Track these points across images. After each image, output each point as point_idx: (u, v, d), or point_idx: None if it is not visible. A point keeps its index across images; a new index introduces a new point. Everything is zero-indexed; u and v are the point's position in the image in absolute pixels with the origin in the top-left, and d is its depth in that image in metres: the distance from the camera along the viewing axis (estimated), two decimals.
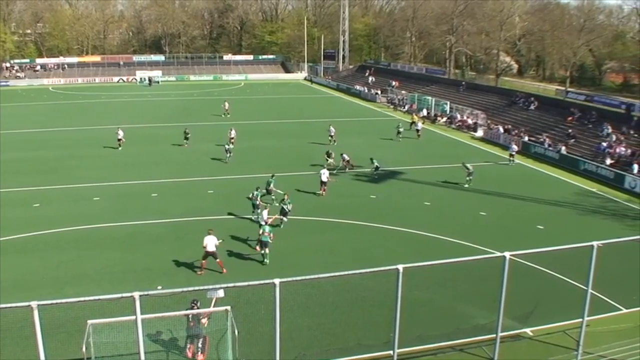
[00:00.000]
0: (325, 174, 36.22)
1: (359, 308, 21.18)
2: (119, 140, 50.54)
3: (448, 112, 67.77)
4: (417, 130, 56.00)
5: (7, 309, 14.43)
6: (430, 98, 72.89)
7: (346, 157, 42.69)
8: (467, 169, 38.55)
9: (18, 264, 26.01)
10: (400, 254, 26.31)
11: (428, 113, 69.83)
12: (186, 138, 51.62)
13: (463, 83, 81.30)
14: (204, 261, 24.47)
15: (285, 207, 29.90)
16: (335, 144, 50.61)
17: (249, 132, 56.80)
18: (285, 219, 29.99)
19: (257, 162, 45.01)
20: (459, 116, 65.15)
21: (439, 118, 67.06)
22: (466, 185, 38.19)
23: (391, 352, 15.33)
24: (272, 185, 34.20)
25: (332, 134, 52.35)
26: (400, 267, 14.34)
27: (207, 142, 51.81)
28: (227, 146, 46.30)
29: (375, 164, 40.70)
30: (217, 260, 24.46)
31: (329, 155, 43.31)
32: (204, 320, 17.70)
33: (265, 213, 28.11)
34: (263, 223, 26.75)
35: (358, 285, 22.09)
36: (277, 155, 47.68)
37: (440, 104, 69.88)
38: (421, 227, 30.20)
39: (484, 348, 17.87)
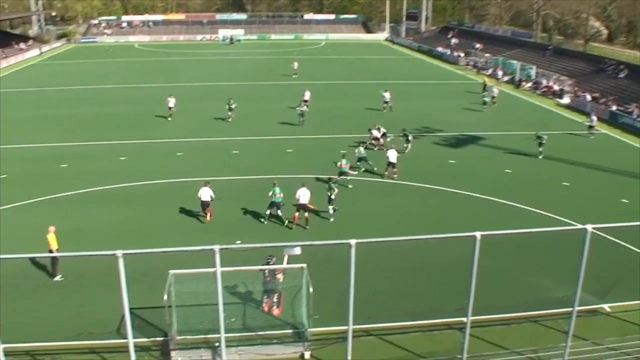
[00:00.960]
0: (393, 155, 32.34)
1: (433, 273, 21.14)
2: (170, 109, 46.97)
3: (533, 77, 65.58)
4: (492, 97, 52.61)
5: (93, 257, 15.21)
6: (515, 62, 70.61)
7: (376, 133, 38.32)
8: (540, 138, 36.51)
9: (104, 214, 27.27)
10: (478, 221, 25.91)
11: (506, 75, 67.86)
12: (230, 109, 46.33)
13: (550, 47, 78.13)
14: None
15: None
16: (392, 111, 48.98)
17: (324, 93, 56.81)
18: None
19: (334, 124, 45.03)
20: (544, 82, 62.88)
21: (523, 83, 64.98)
22: (540, 157, 36.36)
23: (464, 319, 15.27)
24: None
25: (387, 100, 49.79)
26: (478, 234, 14.16)
27: (279, 102, 52.02)
28: (299, 109, 44.70)
29: (409, 137, 37.27)
30: (208, 209, 26.39)
31: (382, 134, 38.43)
32: (279, 276, 18.14)
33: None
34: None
35: (433, 250, 22.04)
36: (354, 117, 47.35)
37: (526, 69, 67.59)
38: (501, 194, 29.57)
39: (558, 321, 17.56)
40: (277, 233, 24.96)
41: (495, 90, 54.05)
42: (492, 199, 29.12)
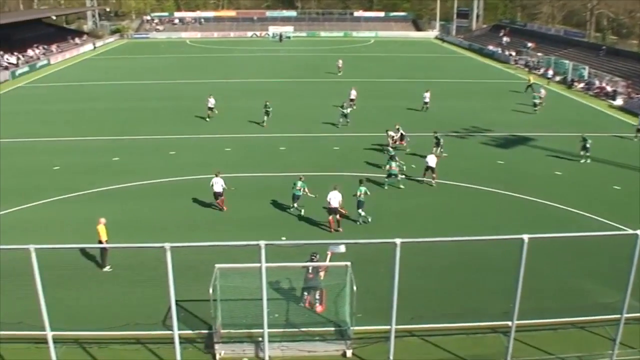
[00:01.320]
0: (432, 160, 30.72)
1: (478, 275, 20.89)
2: (210, 109, 45.33)
3: (586, 77, 64.11)
4: (540, 98, 50.37)
5: (142, 248, 15.50)
6: (567, 62, 69.17)
7: (392, 134, 36.71)
8: (585, 141, 35.01)
9: (154, 207, 27.80)
10: (525, 223, 25.46)
11: (557, 75, 66.50)
12: (267, 113, 43.43)
13: (603, 47, 76.17)
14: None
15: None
16: (426, 111, 48.46)
17: (370, 91, 56.68)
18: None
19: (379, 121, 44.80)
20: (597, 82, 61.35)
21: (575, 84, 63.58)
22: (582, 161, 35.07)
23: (509, 322, 15.08)
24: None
25: (427, 100, 48.53)
26: (526, 237, 13.94)
27: (326, 99, 51.96)
28: (343, 110, 42.87)
29: (441, 140, 35.35)
30: (221, 198, 27.14)
31: (400, 136, 37.03)
32: (321, 274, 18.21)
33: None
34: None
35: (478, 252, 21.81)
36: (398, 115, 47.08)
37: (578, 69, 66.16)
38: (550, 197, 28.97)
39: (606, 328, 17.18)
40: (322, 230, 25.04)
41: (543, 92, 52.14)
42: (542, 201, 28.58)
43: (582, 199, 28.81)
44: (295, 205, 26.78)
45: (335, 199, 24.63)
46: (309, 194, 26.22)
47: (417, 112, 48.14)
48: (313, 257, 18.16)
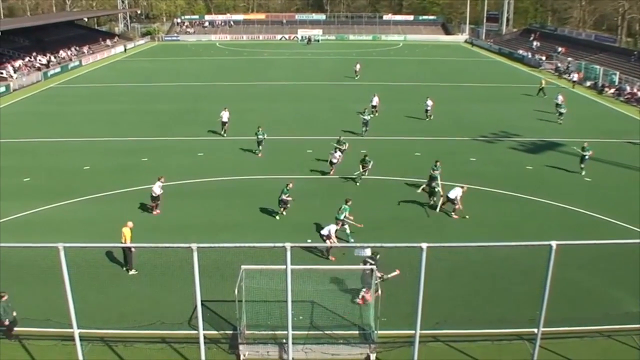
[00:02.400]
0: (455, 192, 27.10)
1: (505, 281, 20.69)
2: (224, 124, 41.77)
3: (616, 83, 63.19)
4: (557, 105, 47.80)
5: (169, 248, 15.65)
6: (598, 67, 68.27)
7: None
8: (584, 150, 33.16)
9: (181, 207, 28.01)
10: (554, 229, 25.20)
11: (588, 80, 65.58)
12: (259, 143, 36.70)
13: (635, 53, 74.87)
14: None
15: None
16: (431, 119, 46.82)
17: (394, 95, 56.51)
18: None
19: (405, 126, 44.74)
20: (628, 88, 60.40)
21: (606, 89, 62.69)
22: (583, 173, 33.28)
23: (535, 329, 14.93)
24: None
25: (429, 108, 46.67)
26: (554, 243, 13.80)
27: (353, 103, 51.78)
28: (364, 117, 40.98)
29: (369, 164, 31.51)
30: (157, 203, 27.36)
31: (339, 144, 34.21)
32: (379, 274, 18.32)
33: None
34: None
35: (505, 258, 21.61)
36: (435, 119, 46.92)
37: (609, 74, 65.25)
38: (579, 203, 28.58)
39: (634, 337, 16.94)
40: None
41: (560, 98, 49.31)
42: (570, 207, 28.22)
43: (612, 206, 28.35)
44: (283, 210, 26.99)
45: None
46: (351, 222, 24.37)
47: (442, 117, 47.75)
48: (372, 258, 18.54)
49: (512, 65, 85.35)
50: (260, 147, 36.81)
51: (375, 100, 47.61)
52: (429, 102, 46.81)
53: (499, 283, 20.64)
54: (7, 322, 16.58)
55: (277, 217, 26.80)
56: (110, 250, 22.63)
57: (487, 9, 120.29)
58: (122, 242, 20.95)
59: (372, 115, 43.56)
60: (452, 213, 27.14)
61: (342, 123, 44.66)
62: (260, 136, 36.38)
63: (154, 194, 26.96)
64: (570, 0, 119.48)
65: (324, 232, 23.09)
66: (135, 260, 21.30)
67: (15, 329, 17.00)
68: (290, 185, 26.46)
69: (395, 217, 26.72)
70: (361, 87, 61.73)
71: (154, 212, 27.12)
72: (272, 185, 30.35)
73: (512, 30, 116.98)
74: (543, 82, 60.63)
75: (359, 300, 18.84)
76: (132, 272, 21.29)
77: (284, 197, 26.30)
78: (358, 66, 70.43)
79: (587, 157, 33.20)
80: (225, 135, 41.55)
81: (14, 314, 16.75)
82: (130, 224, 21.47)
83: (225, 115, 41.50)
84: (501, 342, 16.86)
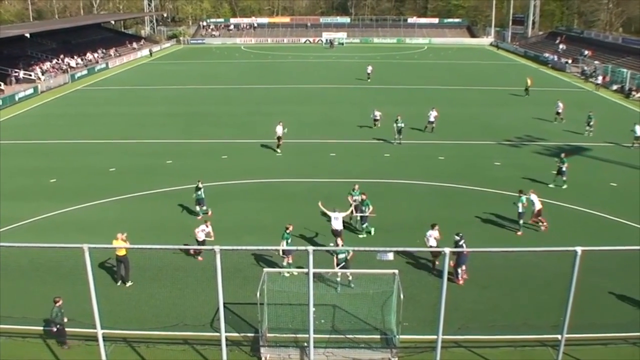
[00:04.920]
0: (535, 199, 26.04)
1: (529, 286, 20.47)
2: (279, 138, 38.34)
3: None
4: (557, 113, 47.13)
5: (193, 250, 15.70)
6: (625, 70, 67.32)
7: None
8: (561, 162, 31.10)
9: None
10: (577, 234, 24.92)
11: (615, 84, 64.72)
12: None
13: None
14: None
15: None
16: (432, 132, 44.21)
17: (406, 98, 56.27)
18: None
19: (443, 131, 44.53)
20: None
21: (633, 93, 61.78)
22: (551, 185, 31.38)
23: (559, 336, 14.77)
24: None
25: (560, 110, 46.45)
26: (579, 249, 13.64)
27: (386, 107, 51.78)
28: (397, 125, 39.68)
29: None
30: None
31: None
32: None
33: None
34: None
35: (529, 263, 21.41)
36: (461, 123, 46.67)
37: (636, 78, 64.29)
38: (603, 208, 28.19)
39: None
40: (371, 238, 24.89)
41: (561, 105, 47.87)
42: (596, 212, 27.85)
43: (639, 211, 27.93)
44: (199, 209, 27.07)
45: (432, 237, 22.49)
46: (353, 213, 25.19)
47: (467, 120, 47.45)
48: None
49: (538, 68, 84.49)
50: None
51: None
52: (433, 113, 43.63)
53: (522, 288, 20.42)
54: (57, 328, 16.57)
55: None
56: (133, 252, 22.80)
57: (512, 11, 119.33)
58: (120, 254, 20.28)
59: (403, 125, 40.16)
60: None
61: (367, 127, 44.81)
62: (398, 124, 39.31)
63: (198, 239, 22.83)
64: (597, 3, 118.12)
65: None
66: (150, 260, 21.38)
67: (37, 328, 17.25)
68: (290, 228, 21.65)
69: (419, 220, 26.57)
70: (387, 91, 61.64)
71: (198, 258, 22.55)
72: (296, 188, 30.51)
73: (537, 33, 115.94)
74: (529, 81, 60.58)
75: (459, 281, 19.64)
76: (129, 283, 20.77)
77: (285, 245, 20.67)
78: (370, 68, 70.57)
79: (564, 168, 30.91)
80: (279, 152, 38.21)
81: (65, 319, 16.65)
82: (120, 235, 20.49)
83: (279, 130, 38.38)
84: (524, 349, 16.69)
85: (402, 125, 39.85)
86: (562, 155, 32.00)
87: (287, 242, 20.83)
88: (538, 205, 25.66)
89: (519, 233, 25.29)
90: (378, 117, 44.98)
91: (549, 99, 57.35)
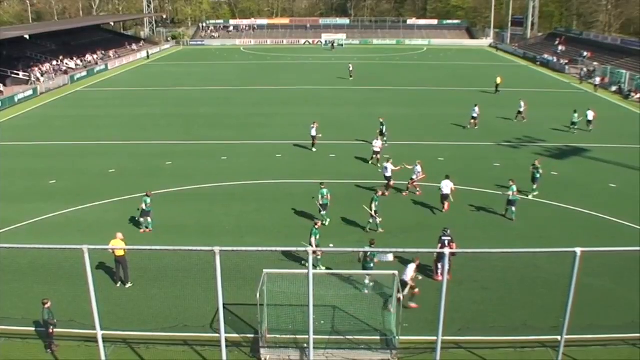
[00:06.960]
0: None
1: (528, 288, 20.49)
2: (313, 138, 39.08)
3: None
4: (519, 112, 48.01)
5: (193, 252, 15.71)
6: (624, 72, 67.35)
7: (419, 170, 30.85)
8: (536, 169, 30.17)
9: (204, 211, 28.15)
10: (577, 236, 24.93)
11: (613, 85, 64.77)
12: None
13: None
14: None
15: None
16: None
17: (411, 99, 56.26)
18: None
19: (431, 131, 44.52)
20: None
21: (632, 94, 61.78)
22: (532, 195, 30.20)
23: (558, 337, 14.77)
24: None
25: (522, 109, 47.66)
26: (578, 250, 13.65)
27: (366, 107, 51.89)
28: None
29: None
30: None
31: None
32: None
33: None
34: None
35: (529, 265, 21.42)
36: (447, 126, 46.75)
37: (635, 79, 64.31)
38: (603, 209, 28.21)
39: None
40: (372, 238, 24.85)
41: (522, 104, 48.29)
42: (595, 213, 27.86)
43: (638, 212, 27.94)
44: (142, 219, 25.65)
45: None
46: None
47: (466, 122, 47.49)
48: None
49: (537, 69, 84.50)
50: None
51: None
52: (475, 110, 45.18)
53: (522, 289, 20.44)
54: (52, 329, 16.46)
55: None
56: (133, 253, 22.79)
57: (512, 13, 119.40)
58: (118, 255, 20.22)
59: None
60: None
61: (359, 127, 44.85)
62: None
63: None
64: (596, 5, 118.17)
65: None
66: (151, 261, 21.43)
67: (37, 329, 17.31)
68: (319, 224, 22.39)
69: (420, 223, 26.61)
70: (389, 92, 61.70)
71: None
72: (296, 189, 30.52)
73: (537, 35, 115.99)
74: (499, 79, 61.17)
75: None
76: (129, 284, 20.73)
77: (314, 241, 21.31)
78: (351, 67, 72.45)
79: (537, 175, 30.15)
80: (314, 150, 38.94)
81: (55, 320, 16.46)
82: (119, 235, 20.62)
83: (313, 130, 38.94)
84: (524, 350, 16.70)
85: (384, 127, 39.67)
86: (536, 162, 30.88)
87: (316, 237, 21.41)
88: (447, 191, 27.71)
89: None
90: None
91: (548, 100, 57.58)
